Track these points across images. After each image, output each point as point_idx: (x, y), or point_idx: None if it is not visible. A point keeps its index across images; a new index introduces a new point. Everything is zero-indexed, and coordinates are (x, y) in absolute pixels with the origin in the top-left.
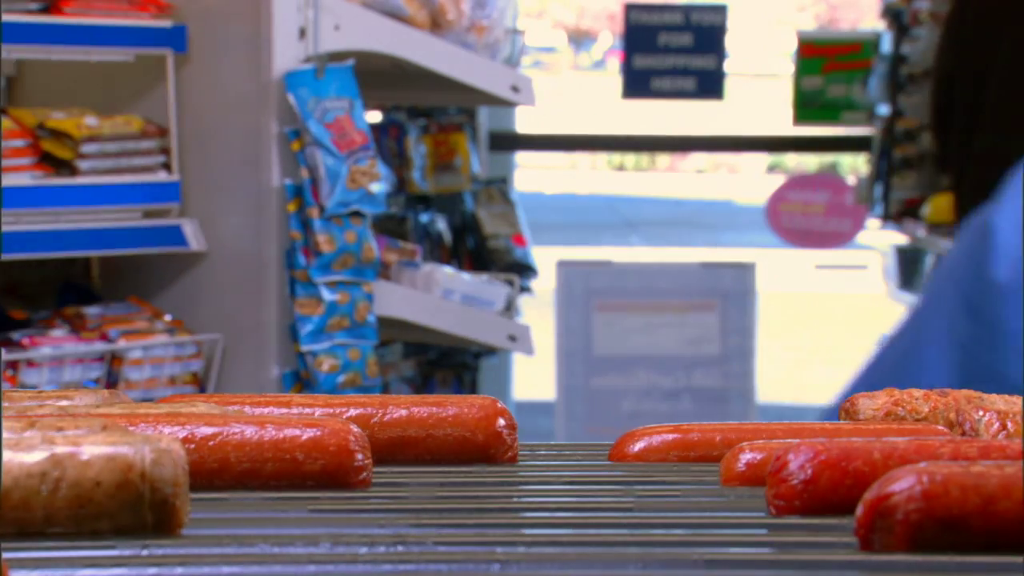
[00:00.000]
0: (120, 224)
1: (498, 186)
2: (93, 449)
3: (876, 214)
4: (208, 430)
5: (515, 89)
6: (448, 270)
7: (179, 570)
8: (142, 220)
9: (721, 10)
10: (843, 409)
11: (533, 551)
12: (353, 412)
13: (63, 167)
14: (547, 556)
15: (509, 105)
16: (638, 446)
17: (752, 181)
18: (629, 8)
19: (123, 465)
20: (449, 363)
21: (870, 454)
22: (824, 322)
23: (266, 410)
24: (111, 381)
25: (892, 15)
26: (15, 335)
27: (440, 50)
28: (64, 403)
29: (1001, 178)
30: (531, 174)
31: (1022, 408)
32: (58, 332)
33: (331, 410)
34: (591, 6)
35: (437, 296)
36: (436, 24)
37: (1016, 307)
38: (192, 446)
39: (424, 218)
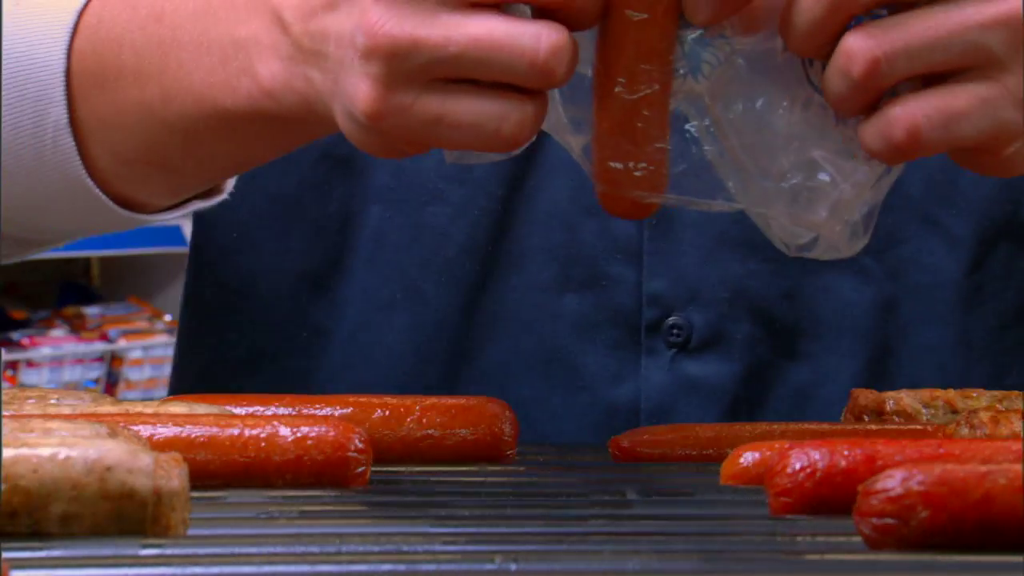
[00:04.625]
0: None
1: None
2: (93, 451)
3: None
4: (205, 429)
5: None
6: None
7: (178, 570)
8: None
9: None
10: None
11: (532, 550)
12: (353, 411)
13: None
14: (546, 555)
15: None
16: (637, 438)
17: None
18: None
19: (124, 466)
20: None
21: (871, 453)
22: None
23: (266, 408)
24: (111, 381)
25: None
26: (15, 335)
27: None
28: (62, 404)
29: None
30: None
31: (1022, 408)
32: (58, 332)
33: (331, 409)
34: None
35: None
36: None
37: None
38: (190, 445)
39: None
